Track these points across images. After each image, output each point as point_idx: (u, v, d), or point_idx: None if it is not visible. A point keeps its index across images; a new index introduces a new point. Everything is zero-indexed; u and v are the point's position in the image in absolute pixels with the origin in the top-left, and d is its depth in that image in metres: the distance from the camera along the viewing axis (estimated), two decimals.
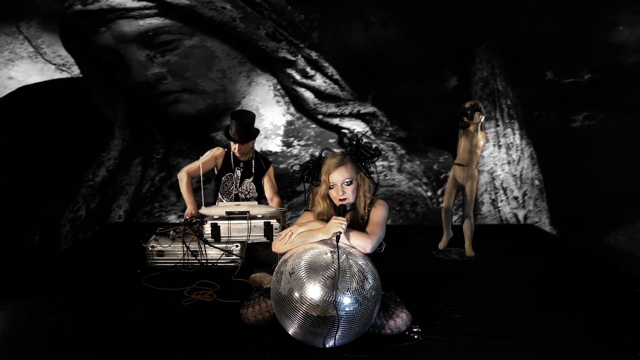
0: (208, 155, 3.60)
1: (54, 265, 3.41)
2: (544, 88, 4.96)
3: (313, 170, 2.28)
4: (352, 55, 5.07)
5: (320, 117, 5.05)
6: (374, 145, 2.28)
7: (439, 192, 5.04)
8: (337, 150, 2.35)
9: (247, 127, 3.53)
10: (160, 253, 3.24)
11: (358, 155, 2.27)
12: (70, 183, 4.98)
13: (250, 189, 3.69)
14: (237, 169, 3.64)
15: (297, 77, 4.96)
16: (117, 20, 4.79)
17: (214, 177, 3.69)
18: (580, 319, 2.46)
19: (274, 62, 4.89)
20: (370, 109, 5.06)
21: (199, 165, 3.47)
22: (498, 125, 5.04)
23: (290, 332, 2.07)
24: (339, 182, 2.22)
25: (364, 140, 2.29)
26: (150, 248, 3.24)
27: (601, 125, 4.94)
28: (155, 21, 4.82)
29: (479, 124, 3.54)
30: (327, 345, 2.02)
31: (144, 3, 4.77)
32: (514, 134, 4.99)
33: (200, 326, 2.36)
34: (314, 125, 5.00)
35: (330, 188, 2.24)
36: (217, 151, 3.63)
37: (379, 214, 2.29)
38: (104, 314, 2.51)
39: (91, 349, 2.14)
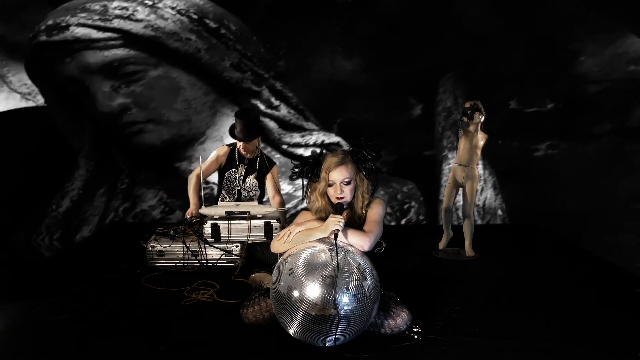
0: (212, 157, 3.66)
1: (54, 265, 3.41)
2: (507, 117, 4.99)
3: (313, 166, 2.28)
4: (318, 84, 5.09)
5: (284, 147, 5.06)
6: (374, 148, 2.29)
7: (403, 222, 5.04)
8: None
9: (250, 125, 3.55)
10: (160, 253, 3.24)
11: (359, 156, 2.28)
12: (34, 213, 4.96)
13: (253, 186, 3.71)
14: (242, 166, 3.67)
15: (262, 107, 4.99)
16: (82, 51, 4.84)
17: (219, 173, 3.72)
18: (580, 319, 2.46)
19: (239, 92, 4.92)
20: (334, 138, 5.08)
21: (205, 167, 3.54)
22: None
23: (290, 332, 2.07)
24: (338, 180, 2.23)
25: (366, 142, 2.29)
26: (150, 248, 3.24)
27: (564, 154, 5.01)
28: (120, 52, 4.86)
29: (479, 124, 3.54)
30: (327, 344, 2.02)
31: (109, 34, 4.82)
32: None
33: (200, 326, 2.36)
34: (278, 155, 4.99)
35: (329, 186, 2.25)
36: (222, 150, 3.67)
37: (376, 212, 2.30)
38: (104, 313, 2.51)
39: (91, 349, 2.14)
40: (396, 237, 4.15)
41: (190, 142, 5.05)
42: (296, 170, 2.32)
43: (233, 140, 3.67)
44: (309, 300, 1.96)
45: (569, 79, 4.96)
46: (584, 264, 3.51)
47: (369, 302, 2.03)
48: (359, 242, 2.16)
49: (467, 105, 3.54)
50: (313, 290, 1.97)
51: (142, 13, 4.79)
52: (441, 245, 3.76)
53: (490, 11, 4.92)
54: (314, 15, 4.95)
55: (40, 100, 5.04)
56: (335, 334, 1.99)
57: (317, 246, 2.09)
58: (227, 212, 3.31)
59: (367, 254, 2.17)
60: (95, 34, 4.79)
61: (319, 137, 5.02)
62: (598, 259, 3.60)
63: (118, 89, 4.89)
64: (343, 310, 1.96)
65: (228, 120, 4.97)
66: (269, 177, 3.74)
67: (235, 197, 3.68)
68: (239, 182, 3.68)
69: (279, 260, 2.17)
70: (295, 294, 1.99)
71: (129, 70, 4.86)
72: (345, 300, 1.97)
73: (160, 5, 4.83)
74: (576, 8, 4.84)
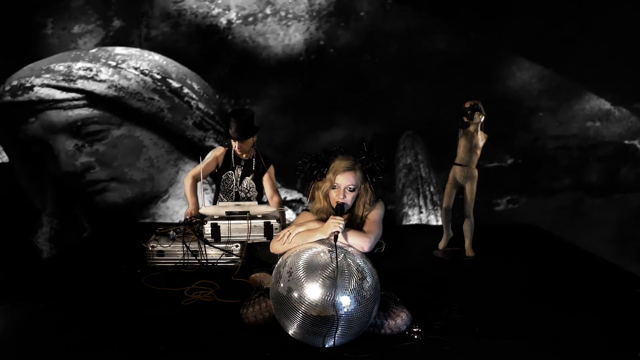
0: (209, 157, 3.63)
1: (54, 265, 3.41)
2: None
3: (321, 164, 2.27)
4: (281, 140, 5.14)
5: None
6: (385, 162, 2.29)
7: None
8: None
9: (245, 124, 3.54)
10: (160, 253, 3.24)
11: (370, 166, 2.27)
12: None
13: (250, 187, 3.70)
14: (238, 167, 3.65)
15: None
16: (46, 110, 4.88)
17: (215, 175, 3.70)
18: (580, 319, 2.46)
19: (201, 150, 4.92)
20: (296, 195, 5.12)
21: (201, 168, 3.50)
22: (422, 212, 5.10)
23: (290, 332, 2.07)
24: (343, 185, 2.22)
25: (378, 154, 2.29)
26: (150, 248, 3.24)
27: (524, 208, 5.11)
28: (84, 112, 4.92)
29: (479, 124, 3.54)
30: (327, 345, 2.02)
31: (73, 94, 4.87)
32: (437, 221, 5.00)
33: (200, 326, 2.36)
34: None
35: (332, 188, 2.24)
36: (218, 151, 3.65)
37: (375, 212, 2.30)
38: (104, 314, 2.51)
39: (91, 349, 2.14)
40: (396, 237, 4.15)
41: (153, 199, 5.13)
42: (304, 164, 2.30)
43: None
44: (309, 302, 1.96)
45: (528, 135, 5.13)
46: (584, 264, 3.51)
47: (369, 304, 2.03)
48: (359, 242, 2.15)
49: (467, 105, 3.54)
50: (313, 292, 1.97)
51: (105, 73, 4.88)
52: (441, 245, 3.76)
53: (449, 68, 5.07)
54: (277, 72, 5.04)
55: (4, 157, 5.07)
56: (335, 335, 1.99)
57: (317, 247, 2.09)
58: (227, 212, 3.30)
59: (367, 254, 2.17)
60: (59, 95, 4.87)
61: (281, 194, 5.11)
62: (598, 259, 3.60)
63: (82, 148, 4.96)
64: (343, 312, 1.96)
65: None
66: (266, 177, 3.72)
67: (233, 199, 3.66)
68: (236, 184, 3.67)
69: (279, 261, 2.17)
70: (295, 295, 1.99)
71: (92, 130, 4.95)
72: (345, 302, 1.97)
73: (123, 65, 4.91)
74: (530, 66, 5.04)
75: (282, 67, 5.03)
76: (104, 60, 4.87)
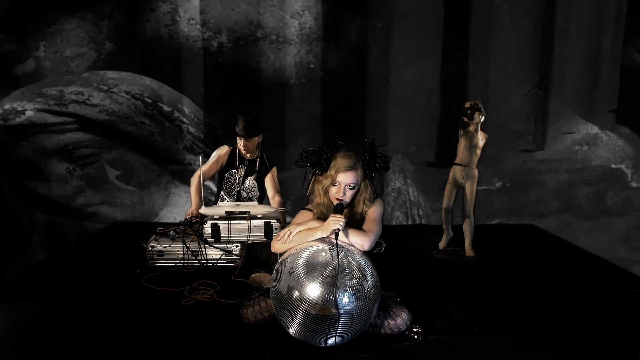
0: (213, 157, 3.67)
1: (54, 265, 3.42)
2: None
3: (322, 159, 2.27)
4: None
5: None
6: (386, 159, 2.29)
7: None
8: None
9: (252, 122, 3.58)
10: (160, 253, 3.24)
11: (371, 164, 2.28)
12: None
13: (252, 187, 3.71)
14: (241, 167, 3.67)
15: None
16: (38, 134, 4.91)
17: (218, 173, 3.72)
18: (580, 319, 2.46)
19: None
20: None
21: (207, 168, 3.56)
22: None
23: (290, 332, 2.07)
24: (344, 183, 2.23)
25: (380, 152, 2.29)
26: (150, 248, 3.24)
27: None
28: (75, 135, 4.95)
29: (479, 124, 3.54)
30: (327, 344, 2.02)
31: (64, 118, 4.90)
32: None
33: (200, 326, 2.36)
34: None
35: (333, 185, 2.25)
36: (223, 150, 3.69)
37: (374, 210, 2.31)
38: (104, 314, 2.51)
39: (91, 349, 2.14)
40: (396, 237, 4.15)
41: (140, 224, 5.05)
42: (304, 157, 2.30)
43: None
44: (310, 300, 1.96)
45: (517, 158, 5.19)
46: (584, 264, 3.51)
47: (369, 302, 2.03)
48: (359, 241, 2.16)
49: (467, 105, 3.54)
50: (313, 290, 1.97)
51: (97, 97, 4.91)
52: (441, 245, 3.76)
53: (438, 91, 5.10)
54: (266, 94, 5.07)
55: None
56: (336, 334, 1.99)
57: (318, 246, 2.09)
58: (227, 212, 3.31)
59: (367, 254, 2.17)
60: (51, 118, 4.89)
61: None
62: (598, 259, 3.60)
63: (73, 172, 4.99)
64: (343, 310, 1.96)
65: (181, 201, 5.11)
66: (268, 177, 3.74)
67: (235, 197, 3.69)
68: (238, 183, 3.69)
69: (279, 260, 2.17)
70: (296, 293, 1.99)
71: (83, 153, 4.98)
72: (345, 300, 1.97)
73: (115, 90, 4.94)
74: (519, 89, 5.12)
75: (273, 89, 5.08)
76: (95, 85, 4.92)
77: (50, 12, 4.85)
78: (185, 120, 5.05)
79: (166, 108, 4.99)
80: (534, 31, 5.02)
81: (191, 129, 5.06)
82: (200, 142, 5.08)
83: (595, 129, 5.18)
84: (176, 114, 5.02)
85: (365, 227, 2.25)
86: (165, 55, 4.96)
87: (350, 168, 2.23)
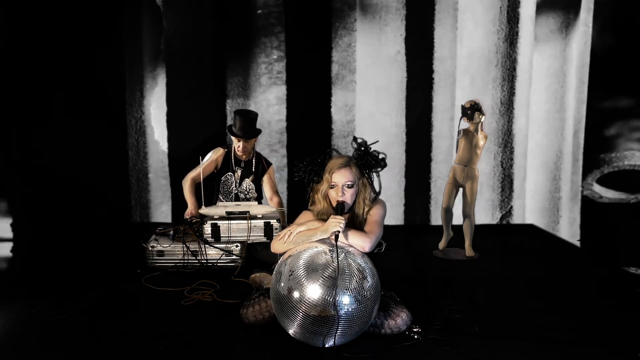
0: (208, 159, 3.62)
1: (54, 265, 3.41)
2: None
3: (317, 167, 2.27)
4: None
5: None
6: (380, 156, 2.27)
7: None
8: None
9: (251, 122, 3.56)
10: (160, 253, 3.24)
11: (364, 161, 2.26)
12: None
13: (249, 189, 3.70)
14: (238, 169, 3.65)
15: None
16: None
17: (214, 176, 3.69)
18: (580, 319, 2.46)
19: None
20: None
21: (200, 171, 3.49)
22: None
23: (290, 332, 2.07)
24: (341, 183, 2.22)
25: (372, 148, 2.28)
26: (150, 248, 3.24)
27: None
28: None
29: (479, 124, 3.54)
30: (327, 345, 2.02)
31: None
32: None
33: (200, 326, 2.36)
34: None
35: (330, 187, 2.24)
36: (218, 152, 3.65)
37: (376, 212, 2.29)
38: (104, 314, 2.51)
39: (91, 349, 2.14)
40: (396, 237, 4.15)
41: None
42: (300, 168, 2.30)
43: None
44: (309, 301, 1.96)
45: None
46: (584, 264, 3.51)
47: (369, 304, 2.03)
48: (360, 242, 2.15)
49: (467, 105, 3.54)
50: (313, 291, 1.97)
51: None
52: (441, 245, 3.76)
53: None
54: None
55: None
56: (335, 335, 1.99)
57: (318, 247, 2.09)
58: (227, 212, 3.30)
59: (367, 254, 2.17)
60: None
61: None
62: (598, 259, 3.60)
63: None
64: (343, 312, 1.96)
65: None
66: (266, 178, 3.72)
67: (233, 201, 3.66)
68: (235, 186, 3.67)
69: (280, 261, 2.17)
70: (296, 294, 1.99)
71: None
72: (345, 302, 1.97)
73: None
74: None
75: None
76: None
77: None
78: None
79: None
80: None
81: None
82: None
83: None
84: None
85: (366, 228, 2.24)
86: None
87: (344, 166, 2.23)
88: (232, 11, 4.71)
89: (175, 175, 4.76)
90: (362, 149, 2.27)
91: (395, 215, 4.86)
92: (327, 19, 4.72)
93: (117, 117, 4.82)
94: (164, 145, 4.82)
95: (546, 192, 4.83)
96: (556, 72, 4.62)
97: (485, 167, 4.65)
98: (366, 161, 2.26)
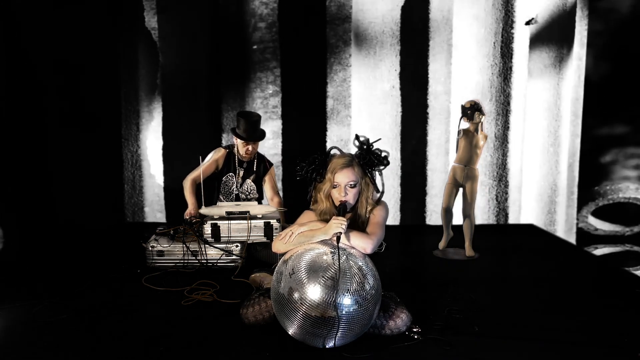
0: (209, 159, 3.62)
1: (54, 265, 3.41)
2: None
3: (319, 166, 2.25)
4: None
5: None
6: (383, 154, 2.26)
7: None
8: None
9: (255, 124, 3.57)
10: (160, 253, 3.24)
11: (367, 160, 2.25)
12: None
13: (251, 190, 3.70)
14: (240, 170, 3.65)
15: None
16: None
17: (215, 177, 3.69)
18: (581, 319, 2.46)
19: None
20: None
21: (203, 170, 3.50)
22: None
23: (290, 333, 2.07)
24: (343, 183, 2.20)
25: (374, 146, 2.27)
26: (150, 248, 3.24)
27: None
28: None
29: (479, 124, 3.54)
30: (327, 346, 2.02)
31: None
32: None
33: (200, 326, 2.36)
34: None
35: (333, 187, 2.23)
36: (219, 153, 3.64)
37: (379, 214, 2.28)
38: (104, 314, 2.51)
39: (91, 349, 2.14)
40: (396, 237, 4.15)
41: None
42: (302, 168, 2.29)
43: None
44: (310, 302, 1.96)
45: None
46: (584, 264, 3.51)
47: (370, 306, 2.03)
48: (362, 244, 2.14)
49: (467, 105, 3.54)
50: (314, 292, 1.97)
51: None
52: (441, 245, 3.76)
53: None
54: None
55: None
56: (336, 337, 1.99)
57: (320, 248, 2.08)
58: (227, 212, 3.30)
59: (368, 255, 2.17)
60: None
61: None
62: (598, 259, 3.60)
63: None
64: (344, 313, 1.96)
65: None
66: (267, 178, 3.72)
67: (233, 201, 3.65)
68: (236, 186, 3.67)
69: (280, 261, 2.16)
70: (296, 295, 1.99)
71: None
72: (346, 303, 1.97)
73: None
74: None
75: None
76: None
77: None
78: None
79: None
80: None
81: None
82: None
83: None
84: None
85: (368, 229, 2.23)
86: None
87: (346, 165, 2.21)
88: (228, 46, 4.77)
89: (170, 208, 4.83)
90: (365, 147, 2.25)
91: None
92: (322, 55, 4.79)
93: (113, 151, 4.86)
94: (159, 179, 4.86)
95: (541, 225, 4.87)
96: (550, 106, 4.67)
97: (480, 200, 4.67)
98: (369, 160, 2.25)
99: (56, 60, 4.53)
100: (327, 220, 2.19)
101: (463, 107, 3.56)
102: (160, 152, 4.88)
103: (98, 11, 4.66)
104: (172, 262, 3.24)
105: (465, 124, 3.60)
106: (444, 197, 3.70)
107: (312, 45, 4.76)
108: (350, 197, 2.22)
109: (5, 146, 4.16)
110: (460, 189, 3.67)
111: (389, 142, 4.80)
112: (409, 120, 4.79)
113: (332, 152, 2.29)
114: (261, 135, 3.62)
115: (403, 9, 4.72)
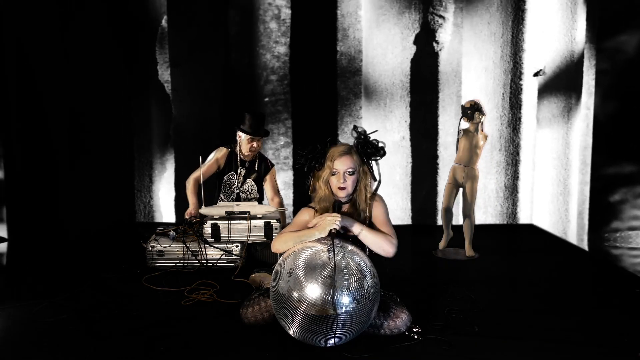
0: (211, 159, 3.62)
1: (54, 265, 3.42)
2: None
3: (318, 155, 2.29)
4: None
5: None
6: (380, 144, 2.30)
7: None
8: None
9: (260, 120, 3.60)
10: (160, 253, 3.24)
11: (364, 149, 2.29)
12: None
13: (252, 189, 3.70)
14: (242, 169, 3.66)
15: None
16: None
17: (216, 176, 3.69)
18: (580, 319, 2.46)
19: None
20: None
21: (205, 169, 3.52)
22: None
23: (290, 332, 2.07)
24: (342, 170, 2.23)
25: (372, 137, 2.31)
26: (150, 248, 3.24)
27: None
28: None
29: (479, 124, 3.54)
30: (327, 344, 2.02)
31: None
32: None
33: (200, 326, 2.36)
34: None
35: (332, 174, 2.25)
36: (220, 152, 3.65)
37: (381, 211, 2.32)
38: (104, 313, 2.51)
39: (91, 349, 2.14)
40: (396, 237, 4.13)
41: None
42: (302, 156, 2.32)
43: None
44: (309, 301, 1.96)
45: None
46: (584, 264, 3.51)
47: (369, 303, 2.03)
48: (386, 247, 2.21)
49: (467, 105, 3.54)
50: (312, 291, 1.97)
51: None
52: (441, 245, 3.76)
53: None
54: None
55: None
56: (335, 335, 1.99)
57: (317, 246, 2.08)
58: (227, 212, 3.30)
59: (367, 255, 2.18)
60: None
61: None
62: (598, 259, 3.60)
63: None
64: (342, 311, 1.96)
65: None
66: (268, 178, 3.73)
67: (234, 200, 3.66)
68: (237, 186, 3.67)
69: (279, 261, 2.17)
70: (295, 294, 1.99)
71: None
72: (344, 301, 1.97)
73: None
74: None
75: None
76: None
77: None
78: None
79: None
80: None
81: None
82: None
83: None
84: None
85: (382, 229, 2.28)
86: None
87: (345, 153, 2.25)
88: (239, 98, 4.81)
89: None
90: (362, 137, 2.30)
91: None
92: (333, 107, 4.85)
93: (125, 202, 4.89)
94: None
95: None
96: (559, 155, 4.65)
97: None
98: (366, 149, 2.29)
99: (71, 110, 4.51)
100: (326, 210, 2.22)
101: (463, 107, 3.56)
102: (173, 203, 4.93)
103: (114, 63, 4.72)
104: (172, 262, 3.24)
105: (465, 124, 3.60)
106: (444, 197, 3.70)
107: (324, 97, 4.84)
108: (349, 184, 2.25)
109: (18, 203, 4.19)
110: (461, 189, 3.68)
111: (399, 193, 4.88)
112: (419, 170, 4.87)
113: (331, 141, 2.33)
114: (266, 132, 3.66)
115: (412, 61, 4.79)
